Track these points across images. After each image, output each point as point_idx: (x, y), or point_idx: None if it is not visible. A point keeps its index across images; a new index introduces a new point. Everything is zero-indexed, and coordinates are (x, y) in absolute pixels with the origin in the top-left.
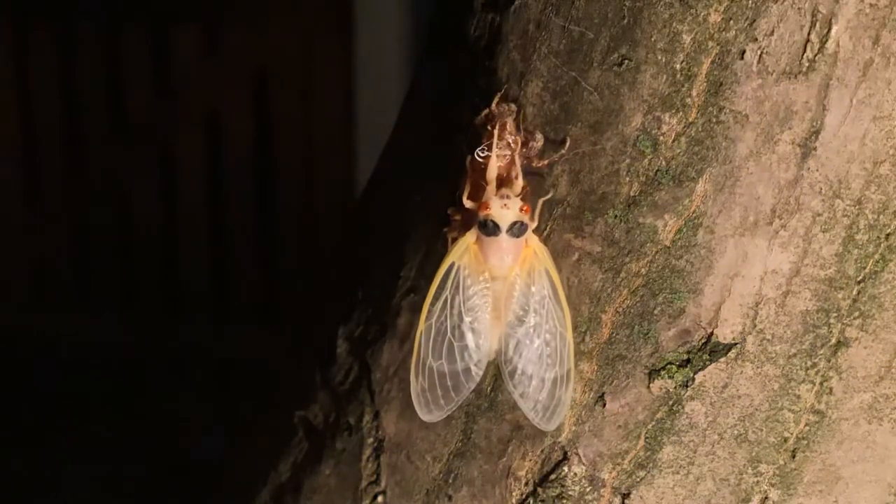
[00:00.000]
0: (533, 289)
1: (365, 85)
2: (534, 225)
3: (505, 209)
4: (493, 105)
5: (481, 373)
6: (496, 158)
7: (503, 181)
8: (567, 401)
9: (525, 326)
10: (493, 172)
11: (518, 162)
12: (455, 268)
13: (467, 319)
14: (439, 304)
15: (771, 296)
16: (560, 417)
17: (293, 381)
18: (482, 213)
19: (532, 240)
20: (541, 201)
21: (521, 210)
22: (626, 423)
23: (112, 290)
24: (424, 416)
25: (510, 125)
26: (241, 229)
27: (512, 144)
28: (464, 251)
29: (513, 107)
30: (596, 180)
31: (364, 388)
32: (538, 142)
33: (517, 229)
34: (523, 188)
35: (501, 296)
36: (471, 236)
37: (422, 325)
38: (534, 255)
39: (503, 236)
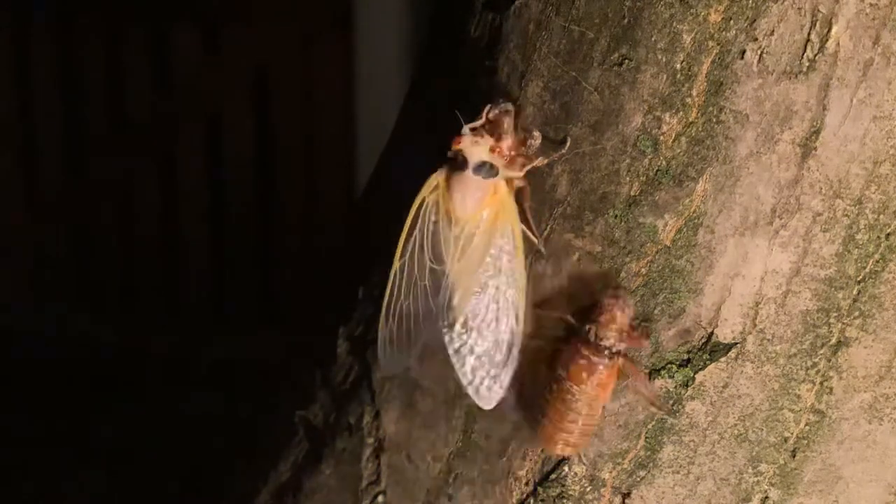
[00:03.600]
0: (492, 240)
1: (365, 85)
2: (518, 174)
3: (475, 145)
4: (489, 108)
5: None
6: (472, 135)
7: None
8: (506, 375)
9: (476, 276)
10: (477, 124)
11: (518, 161)
12: (424, 205)
13: (431, 259)
14: (411, 244)
15: (771, 295)
16: (498, 392)
17: (293, 380)
18: (453, 146)
19: (501, 189)
20: (535, 162)
21: (493, 151)
22: (626, 423)
23: (112, 290)
24: (386, 365)
25: (507, 124)
26: (241, 229)
27: (511, 144)
28: (433, 188)
29: (509, 106)
30: (596, 180)
31: (364, 387)
32: (536, 140)
33: (485, 170)
34: (522, 188)
35: (460, 240)
36: (441, 173)
37: (396, 264)
38: (501, 205)
39: (468, 173)
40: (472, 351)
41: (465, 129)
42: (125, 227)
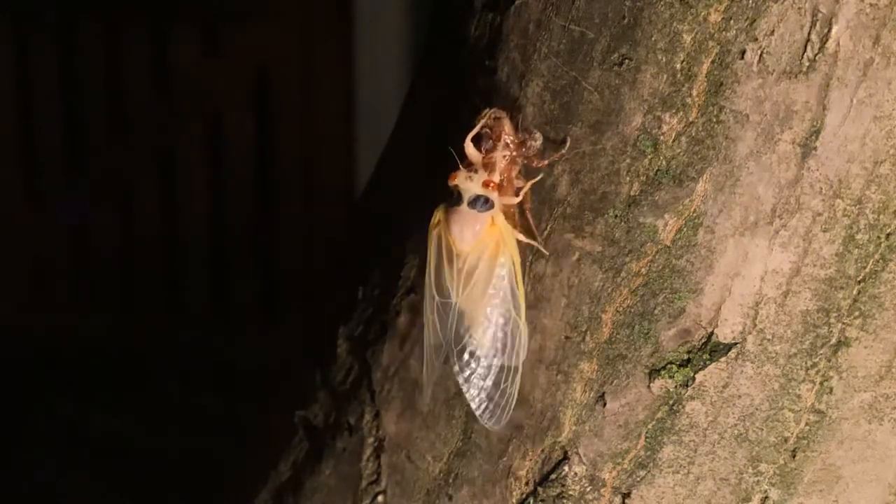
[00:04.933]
0: (494, 270)
1: (365, 85)
2: (514, 201)
3: (468, 181)
4: (486, 113)
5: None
6: (471, 142)
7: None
8: (512, 397)
9: (481, 306)
10: (469, 149)
11: (518, 162)
12: (433, 239)
13: (436, 294)
14: (427, 278)
15: (771, 295)
16: (505, 415)
17: (293, 380)
18: (450, 183)
19: (499, 220)
20: (529, 184)
21: (485, 185)
22: (626, 423)
23: (112, 290)
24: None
25: (507, 126)
26: (241, 229)
27: (511, 145)
28: (437, 223)
29: (502, 114)
30: (596, 180)
31: (364, 387)
32: (537, 141)
33: (480, 203)
34: (521, 189)
35: (462, 272)
36: (441, 208)
37: (427, 302)
38: (500, 236)
39: (464, 208)
40: (482, 378)
41: (469, 146)
42: (125, 227)
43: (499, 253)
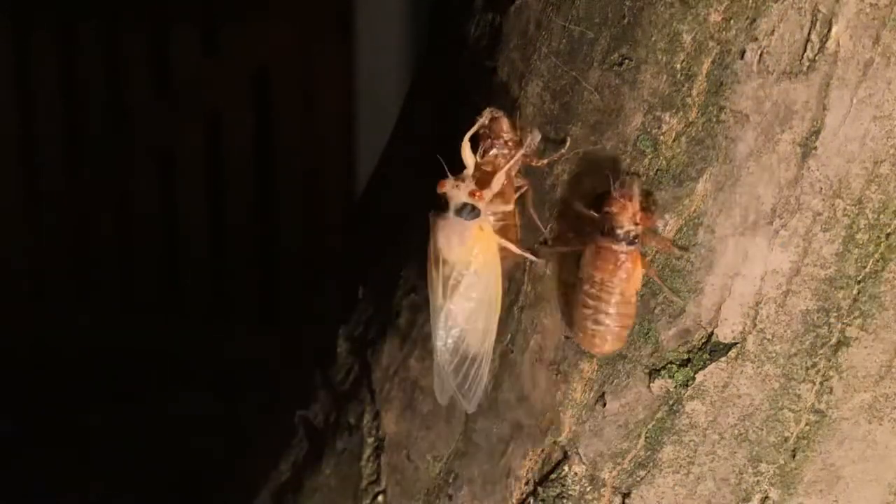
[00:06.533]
0: (480, 276)
1: (365, 85)
2: (508, 208)
3: (455, 189)
4: (485, 113)
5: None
6: (467, 144)
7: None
8: (481, 382)
9: (465, 309)
10: (465, 152)
11: (516, 161)
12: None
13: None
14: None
15: (771, 295)
16: (480, 398)
17: (293, 380)
18: (438, 191)
19: (486, 228)
20: (514, 197)
21: (472, 195)
22: (626, 423)
23: (112, 290)
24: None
25: (506, 125)
26: (241, 229)
27: (509, 143)
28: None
29: (500, 113)
30: (596, 180)
31: (364, 387)
32: (535, 140)
33: (466, 212)
34: (521, 187)
35: (449, 279)
36: (431, 216)
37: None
38: (485, 244)
39: (451, 216)
40: (459, 367)
41: (465, 148)
42: (125, 227)
43: (484, 260)
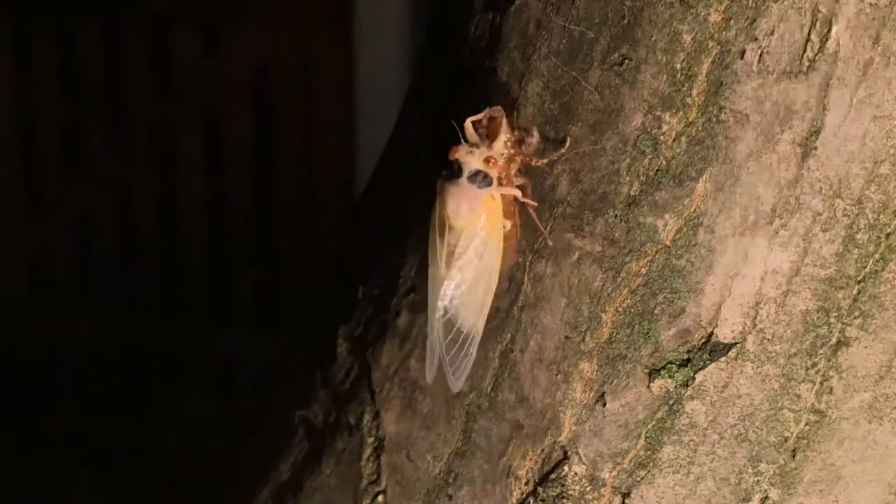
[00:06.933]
0: (486, 247)
1: (365, 85)
2: (513, 192)
3: (469, 155)
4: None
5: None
6: (470, 123)
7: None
8: (470, 361)
9: (466, 278)
10: (469, 128)
11: (517, 161)
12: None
13: (430, 263)
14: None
15: (771, 295)
16: (466, 377)
17: (293, 380)
18: (450, 156)
19: (496, 198)
20: (514, 195)
21: (487, 161)
22: (626, 423)
23: (112, 290)
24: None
25: (505, 124)
26: (241, 229)
27: (508, 142)
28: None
29: (497, 111)
30: (596, 180)
31: (364, 387)
32: (535, 139)
33: (479, 179)
34: (521, 186)
35: (454, 247)
36: (440, 182)
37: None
38: (494, 214)
39: (463, 181)
40: (453, 343)
41: (469, 126)
42: (125, 227)
43: (490, 230)
